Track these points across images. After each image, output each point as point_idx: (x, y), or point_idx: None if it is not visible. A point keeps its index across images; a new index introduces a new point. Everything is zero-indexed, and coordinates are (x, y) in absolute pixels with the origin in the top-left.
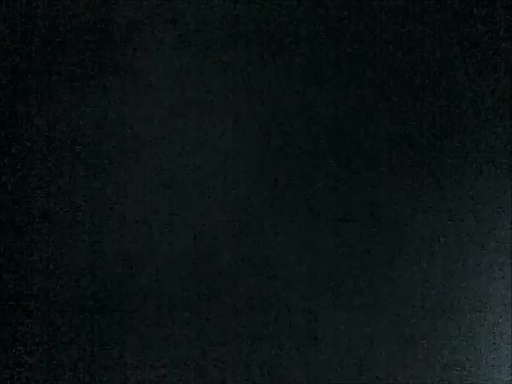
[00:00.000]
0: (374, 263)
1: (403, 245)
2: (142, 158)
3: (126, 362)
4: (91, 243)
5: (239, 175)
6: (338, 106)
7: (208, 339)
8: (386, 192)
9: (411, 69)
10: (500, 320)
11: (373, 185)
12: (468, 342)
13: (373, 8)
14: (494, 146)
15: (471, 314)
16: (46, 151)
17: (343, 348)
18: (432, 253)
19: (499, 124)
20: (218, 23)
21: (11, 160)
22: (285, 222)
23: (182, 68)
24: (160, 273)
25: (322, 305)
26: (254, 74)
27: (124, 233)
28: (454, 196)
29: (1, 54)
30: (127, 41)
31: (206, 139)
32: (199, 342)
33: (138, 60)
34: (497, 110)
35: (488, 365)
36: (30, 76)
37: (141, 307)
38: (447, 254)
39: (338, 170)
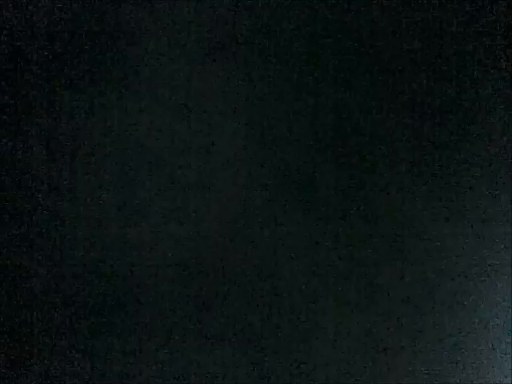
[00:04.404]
0: (374, 263)
1: (403, 244)
2: (141, 159)
3: (125, 362)
4: (91, 242)
5: (239, 176)
6: (337, 107)
7: (208, 339)
8: (386, 191)
9: (411, 69)
10: (500, 320)
11: (373, 184)
12: (468, 342)
13: (373, 7)
14: (494, 146)
15: (471, 314)
16: (46, 152)
17: (344, 348)
18: (432, 252)
19: (499, 123)
20: (218, 24)
21: (11, 160)
22: (285, 223)
23: (182, 68)
24: (160, 272)
25: (323, 305)
26: (254, 75)
27: (123, 233)
28: (454, 195)
29: (1, 55)
30: (128, 43)
31: (206, 140)
32: (199, 342)
33: (139, 61)
34: (497, 110)
35: (488, 365)
36: (30, 76)
37: (141, 308)
38: (447, 253)
39: (338, 170)
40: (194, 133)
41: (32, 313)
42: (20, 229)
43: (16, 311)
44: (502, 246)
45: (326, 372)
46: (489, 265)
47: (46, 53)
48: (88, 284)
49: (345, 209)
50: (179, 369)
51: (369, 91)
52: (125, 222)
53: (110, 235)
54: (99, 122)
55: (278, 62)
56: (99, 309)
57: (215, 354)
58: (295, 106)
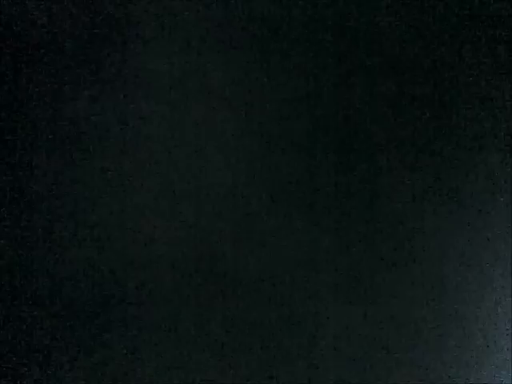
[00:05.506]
0: (374, 262)
1: (403, 243)
2: (141, 159)
3: (125, 363)
4: (91, 244)
5: (239, 175)
6: (338, 106)
7: (209, 340)
8: (387, 190)
9: (411, 67)
10: (500, 320)
11: (373, 183)
12: (468, 342)
13: (375, 8)
14: (494, 146)
15: (471, 314)
16: (45, 150)
17: (345, 348)
18: (432, 251)
19: (500, 122)
20: (218, 21)
21: (11, 160)
22: (286, 222)
23: (182, 66)
24: (161, 273)
25: (324, 305)
26: (254, 73)
27: (123, 234)
28: (454, 193)
29: (1, 53)
30: (128, 39)
31: (207, 138)
32: (200, 343)
33: (139, 58)
34: (496, 108)
35: (488, 365)
36: (30, 75)
37: (141, 309)
38: (447, 252)
39: (338, 169)
40: (195, 132)
41: (32, 312)
42: (20, 229)
43: (16, 311)
44: (503, 245)
45: (327, 372)
46: (489, 265)
47: (46, 52)
48: (88, 284)
49: (346, 208)
50: (180, 369)
51: (369, 92)
52: (125, 223)
53: (109, 236)
54: (99, 123)
55: (278, 62)
56: (99, 309)
57: (216, 354)
58: (296, 104)
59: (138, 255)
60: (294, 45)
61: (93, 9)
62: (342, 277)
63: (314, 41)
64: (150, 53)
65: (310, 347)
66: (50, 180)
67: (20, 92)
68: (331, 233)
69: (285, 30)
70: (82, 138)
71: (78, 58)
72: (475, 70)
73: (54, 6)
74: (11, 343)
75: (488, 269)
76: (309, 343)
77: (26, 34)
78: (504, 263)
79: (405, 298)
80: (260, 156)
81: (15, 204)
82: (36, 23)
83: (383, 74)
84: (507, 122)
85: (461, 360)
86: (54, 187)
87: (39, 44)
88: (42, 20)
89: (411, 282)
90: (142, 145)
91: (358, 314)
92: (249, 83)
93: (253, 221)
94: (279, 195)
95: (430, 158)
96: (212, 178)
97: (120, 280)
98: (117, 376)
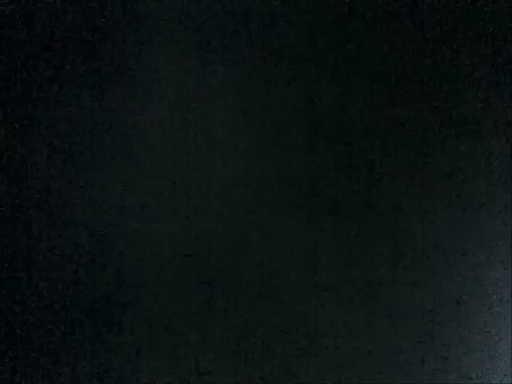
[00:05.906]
0: (374, 262)
1: (403, 243)
2: (141, 158)
3: (125, 364)
4: (91, 244)
5: (239, 175)
6: (338, 107)
7: (209, 340)
8: (387, 191)
9: (410, 67)
10: (500, 320)
11: (373, 184)
12: (468, 342)
13: (373, 6)
14: (494, 145)
15: (471, 314)
16: (46, 151)
17: (345, 348)
18: (432, 251)
19: (500, 122)
20: (218, 21)
21: (11, 160)
22: (286, 222)
23: (182, 66)
24: (161, 273)
25: (324, 305)
26: (254, 73)
27: (123, 234)
28: (454, 193)
29: (1, 53)
30: (127, 40)
31: (207, 138)
32: (200, 344)
33: (138, 59)
34: (496, 108)
35: (488, 365)
36: (30, 75)
37: (141, 309)
38: (447, 252)
39: (338, 169)
40: (195, 132)
41: (32, 313)
42: (20, 229)
43: (16, 311)
44: (503, 245)
45: (327, 372)
46: (489, 265)
47: (46, 52)
48: (88, 284)
49: (345, 208)
50: (180, 369)
51: (369, 92)
52: (125, 223)
53: (108, 236)
54: (99, 122)
55: (277, 61)
56: (99, 309)
57: (216, 354)
58: (295, 104)
59: (138, 255)
60: (294, 45)
61: (93, 9)
62: (341, 277)
63: (314, 41)
64: (150, 53)
65: (309, 347)
66: (50, 180)
67: (20, 92)
68: (331, 233)
69: (285, 30)
70: (81, 138)
71: (78, 58)
72: (475, 69)
73: (54, 6)
74: (11, 343)
75: (488, 269)
76: (309, 343)
77: (26, 33)
78: (504, 263)
79: (405, 299)
80: (260, 156)
81: (15, 204)
82: (36, 23)
83: (383, 75)
84: (507, 122)
85: (461, 360)
86: (54, 187)
87: (39, 44)
88: (43, 20)
89: (411, 282)
90: (143, 145)
91: (358, 314)
92: (249, 83)
93: (253, 221)
94: (279, 195)
95: (430, 158)
96: (212, 177)
97: (120, 280)
98: (117, 376)
